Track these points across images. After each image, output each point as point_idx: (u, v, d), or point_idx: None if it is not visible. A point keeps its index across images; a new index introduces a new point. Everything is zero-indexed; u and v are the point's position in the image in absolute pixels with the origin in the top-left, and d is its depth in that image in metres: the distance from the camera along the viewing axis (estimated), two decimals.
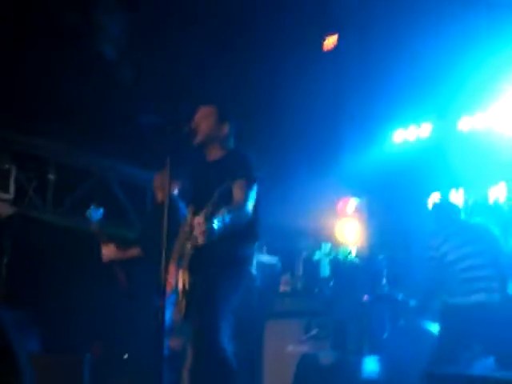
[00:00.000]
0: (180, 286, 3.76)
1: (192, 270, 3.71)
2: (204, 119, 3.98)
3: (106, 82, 6.45)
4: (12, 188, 6.65)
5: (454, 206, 5.42)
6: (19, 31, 5.77)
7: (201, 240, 3.44)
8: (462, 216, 5.33)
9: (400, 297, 6.11)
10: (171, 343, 5.01)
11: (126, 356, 6.30)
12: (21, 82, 6.07)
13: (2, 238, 5.68)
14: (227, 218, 3.49)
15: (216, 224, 3.42)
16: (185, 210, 4.56)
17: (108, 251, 5.32)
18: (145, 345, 4.90)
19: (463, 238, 4.98)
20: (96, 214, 5.39)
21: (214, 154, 4.02)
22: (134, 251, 5.30)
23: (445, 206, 5.47)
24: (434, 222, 5.35)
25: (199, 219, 3.43)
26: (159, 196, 5.46)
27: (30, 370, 2.41)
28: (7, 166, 6.68)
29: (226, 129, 4.02)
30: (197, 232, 3.45)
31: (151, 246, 4.95)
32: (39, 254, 6.56)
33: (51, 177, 7.32)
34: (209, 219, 3.40)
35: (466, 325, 4.73)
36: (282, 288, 6.99)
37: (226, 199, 3.56)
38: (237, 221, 3.59)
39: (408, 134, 7.74)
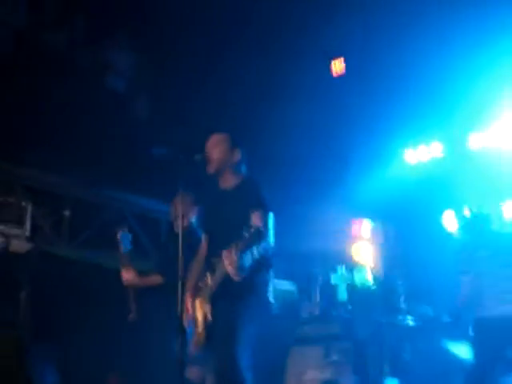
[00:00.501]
0: (199, 317, 3.79)
1: (213, 302, 3.76)
2: (216, 147, 4.02)
3: (119, 116, 6.54)
4: (28, 224, 6.71)
5: (485, 217, 5.40)
6: (32, 72, 5.89)
7: (235, 275, 3.52)
8: (493, 226, 5.33)
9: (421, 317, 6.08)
10: (189, 374, 4.99)
11: None
12: (35, 120, 6.16)
13: (20, 274, 5.73)
14: (256, 253, 3.57)
15: (247, 259, 3.52)
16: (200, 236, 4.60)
17: (128, 275, 5.29)
18: (161, 376, 4.89)
19: (493, 249, 4.98)
20: (126, 238, 5.39)
21: (228, 181, 4.05)
22: (155, 279, 5.27)
23: (476, 217, 5.44)
24: (466, 233, 5.38)
25: (230, 255, 3.50)
26: (178, 224, 5.44)
27: None
28: (23, 203, 6.75)
29: (237, 155, 4.06)
30: (228, 266, 3.53)
31: (170, 275, 4.96)
32: (56, 288, 6.58)
33: (66, 212, 7.38)
34: (240, 255, 3.48)
35: (499, 337, 4.70)
36: (301, 314, 6.97)
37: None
38: (263, 254, 3.66)
39: (418, 154, 7.75)
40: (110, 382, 6.41)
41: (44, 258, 6.73)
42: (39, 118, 6.14)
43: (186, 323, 3.77)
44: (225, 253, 3.54)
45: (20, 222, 6.63)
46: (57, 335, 6.14)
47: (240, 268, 3.51)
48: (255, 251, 3.55)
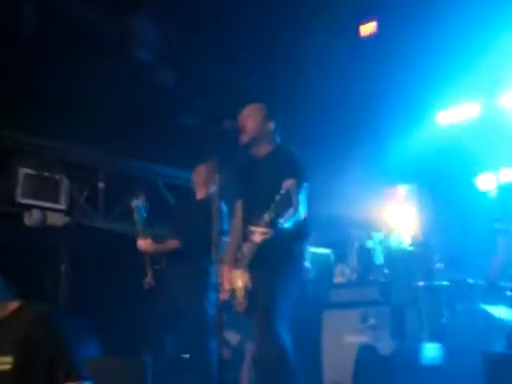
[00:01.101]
0: (240, 285, 3.83)
1: (252, 269, 3.79)
2: (249, 118, 4.03)
3: (148, 87, 6.53)
4: (64, 198, 6.80)
5: None
6: (58, 44, 5.89)
7: (269, 234, 3.59)
8: None
9: (459, 280, 6.02)
10: (228, 338, 5.07)
11: (185, 355, 6.36)
12: (65, 93, 6.19)
13: (58, 247, 5.83)
14: (284, 225, 3.59)
15: (275, 230, 3.55)
16: (223, 207, 4.64)
17: (144, 243, 5.35)
18: (199, 342, 4.98)
19: None
20: (141, 208, 5.46)
21: (261, 150, 4.07)
22: (172, 243, 5.29)
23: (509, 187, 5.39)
24: (499, 200, 5.34)
25: (261, 225, 3.57)
26: (198, 192, 5.45)
27: (89, 375, 2.57)
28: (58, 177, 6.84)
29: (271, 125, 4.08)
30: (257, 235, 3.60)
31: (186, 242, 5.05)
32: (94, 261, 6.68)
33: (101, 185, 7.45)
34: (270, 224, 3.52)
35: None
36: (337, 279, 6.97)
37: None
38: (291, 226, 3.66)
39: (452, 115, 7.60)
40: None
41: (81, 231, 6.83)
42: (68, 91, 6.15)
43: (223, 292, 3.82)
44: (257, 224, 3.59)
45: (56, 196, 6.73)
46: (96, 306, 6.25)
47: (267, 237, 3.58)
48: (286, 216, 3.54)
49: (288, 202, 3.47)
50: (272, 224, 3.55)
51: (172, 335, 5.38)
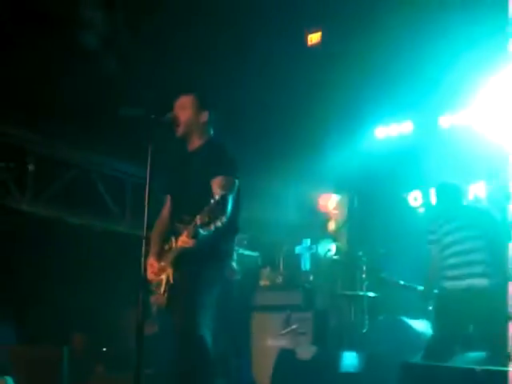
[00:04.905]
0: (163, 279, 3.79)
1: (176, 266, 3.75)
2: (183, 109, 3.96)
3: (89, 74, 6.38)
4: None
5: (457, 189, 5.34)
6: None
7: (190, 244, 3.57)
8: (464, 201, 5.37)
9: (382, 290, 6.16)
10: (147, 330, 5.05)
11: (104, 349, 6.28)
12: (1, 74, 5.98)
13: None
14: (212, 226, 3.50)
15: (203, 232, 3.49)
16: None
17: None
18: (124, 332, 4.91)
19: (461, 222, 5.00)
20: None
21: (194, 143, 4.02)
22: None
23: (448, 188, 5.36)
24: (437, 204, 5.43)
25: (189, 228, 3.52)
26: None
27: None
28: None
29: (205, 117, 4.01)
30: (184, 236, 3.57)
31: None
32: (17, 245, 6.49)
33: (30, 167, 7.22)
34: (202, 226, 3.45)
35: (460, 311, 4.75)
36: (263, 282, 7.02)
37: (206, 197, 3.49)
38: (219, 225, 3.57)
39: (389, 131, 7.78)
40: (75, 341, 6.39)
41: (6, 213, 6.62)
42: (3, 70, 5.94)
43: (150, 284, 3.77)
44: (187, 225, 3.56)
45: None
46: (14, 293, 6.07)
47: (195, 239, 3.54)
48: (217, 221, 3.46)
49: (223, 210, 3.41)
50: (195, 235, 3.51)
51: None
